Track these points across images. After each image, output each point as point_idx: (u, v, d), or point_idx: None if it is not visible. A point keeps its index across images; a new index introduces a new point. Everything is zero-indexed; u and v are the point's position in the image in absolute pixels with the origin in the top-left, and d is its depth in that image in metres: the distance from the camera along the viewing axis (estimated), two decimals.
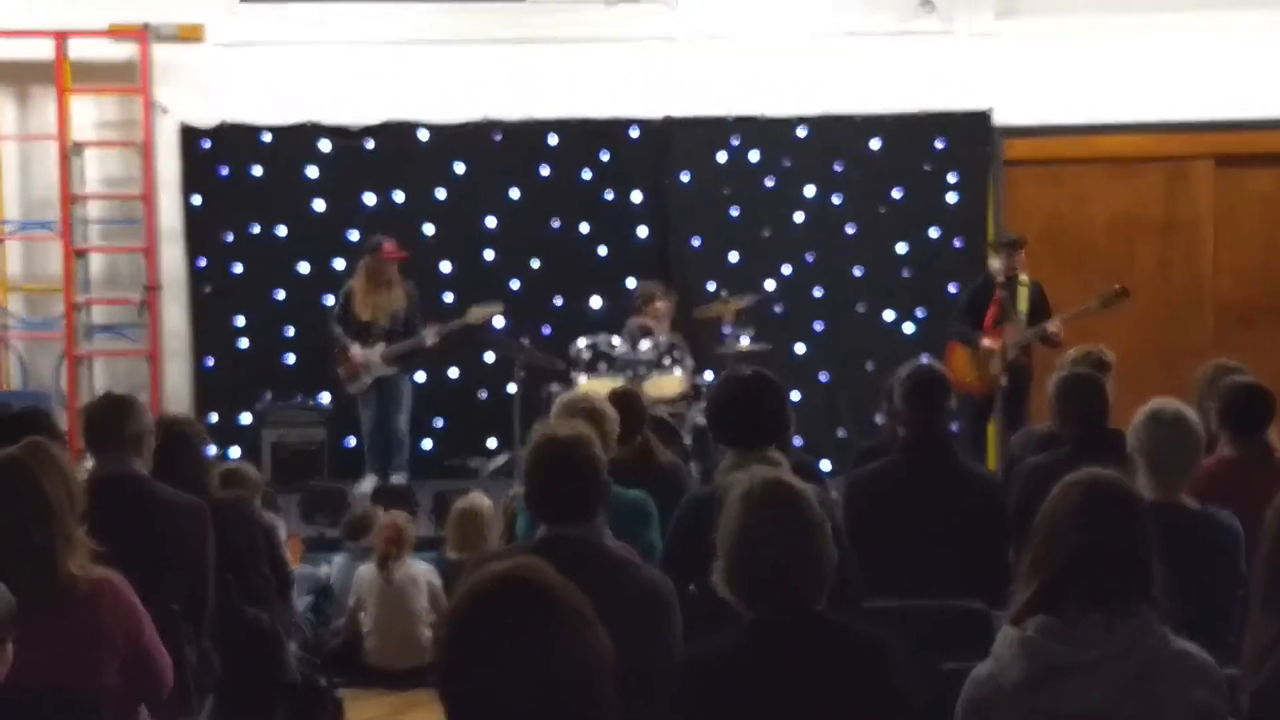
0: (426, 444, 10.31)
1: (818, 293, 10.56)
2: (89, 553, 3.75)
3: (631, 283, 10.09)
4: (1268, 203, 10.64)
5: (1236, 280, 10.66)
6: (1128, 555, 2.90)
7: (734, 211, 10.52)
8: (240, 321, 10.46)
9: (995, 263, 8.88)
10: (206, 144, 10.36)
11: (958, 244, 10.24)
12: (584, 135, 10.44)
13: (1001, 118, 10.40)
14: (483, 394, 10.42)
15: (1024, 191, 10.64)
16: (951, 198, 10.47)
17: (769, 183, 10.50)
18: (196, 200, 10.41)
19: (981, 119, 10.40)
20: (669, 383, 9.08)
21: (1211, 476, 4.72)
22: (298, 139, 10.36)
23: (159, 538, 4.54)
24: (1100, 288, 8.81)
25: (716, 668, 3.01)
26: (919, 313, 10.41)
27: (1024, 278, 8.86)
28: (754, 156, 10.49)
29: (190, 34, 10.20)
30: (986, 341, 8.77)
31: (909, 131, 10.41)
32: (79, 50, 10.17)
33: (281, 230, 10.44)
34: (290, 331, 10.42)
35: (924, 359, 7.57)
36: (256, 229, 10.42)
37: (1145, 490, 4.11)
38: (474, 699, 2.20)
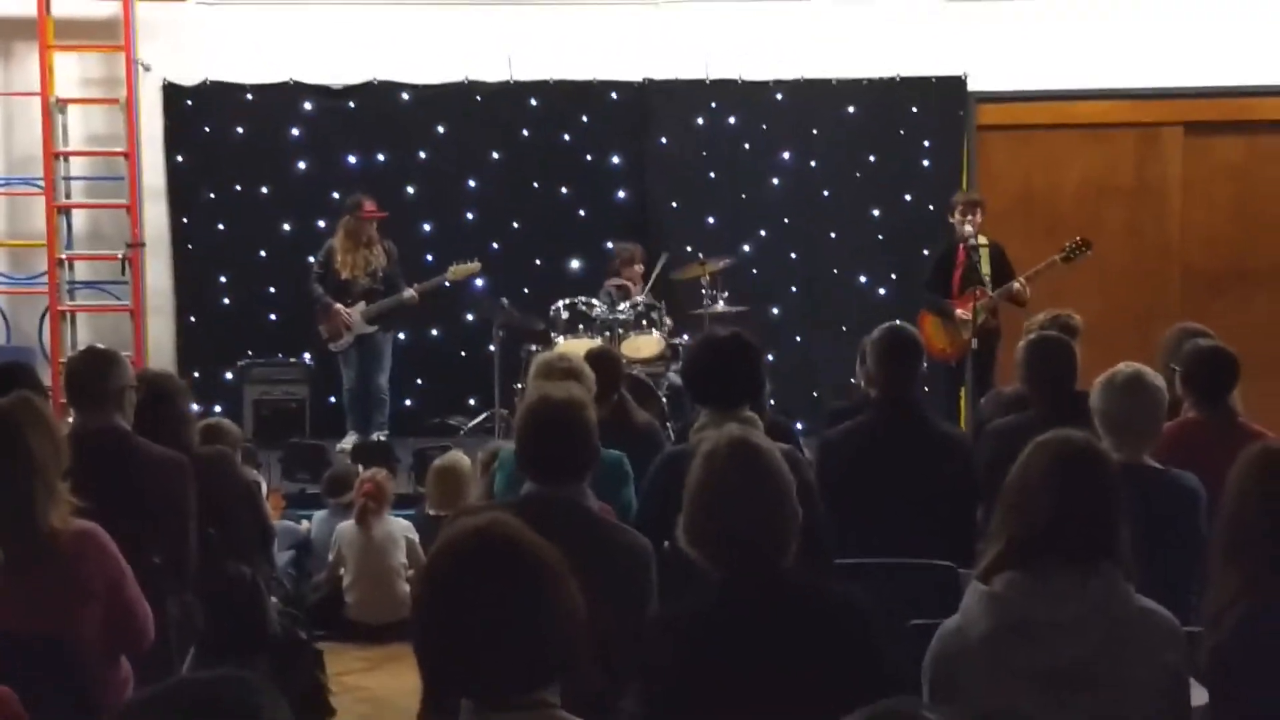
0: (407, 402, 10.38)
1: (794, 255, 10.66)
2: (71, 506, 3.79)
3: (610, 245, 10.14)
4: (1235, 170, 10.74)
5: (1204, 246, 10.75)
6: (1097, 516, 2.95)
7: (712, 175, 10.60)
8: (223, 279, 10.50)
9: (967, 226, 8.88)
10: (189, 102, 10.37)
11: (932, 208, 10.26)
12: (564, 98, 10.48)
13: (975, 83, 10.47)
14: (463, 353, 10.49)
15: (997, 156, 10.72)
16: (926, 162, 10.55)
17: (746, 146, 10.57)
18: (179, 158, 10.43)
19: (956, 84, 10.47)
20: (646, 343, 9.13)
21: (1175, 439, 4.78)
22: (280, 98, 10.39)
23: (141, 492, 4.56)
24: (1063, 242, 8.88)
25: (688, 626, 3.03)
26: (893, 276, 10.50)
27: (983, 239, 8.86)
28: (732, 120, 10.55)
29: None
30: (960, 311, 8.80)
31: (884, 96, 10.48)
32: (62, 7, 10.14)
33: (264, 189, 10.47)
34: (272, 290, 10.47)
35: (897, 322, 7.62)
36: (239, 187, 10.44)
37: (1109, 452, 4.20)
38: (449, 650, 2.25)
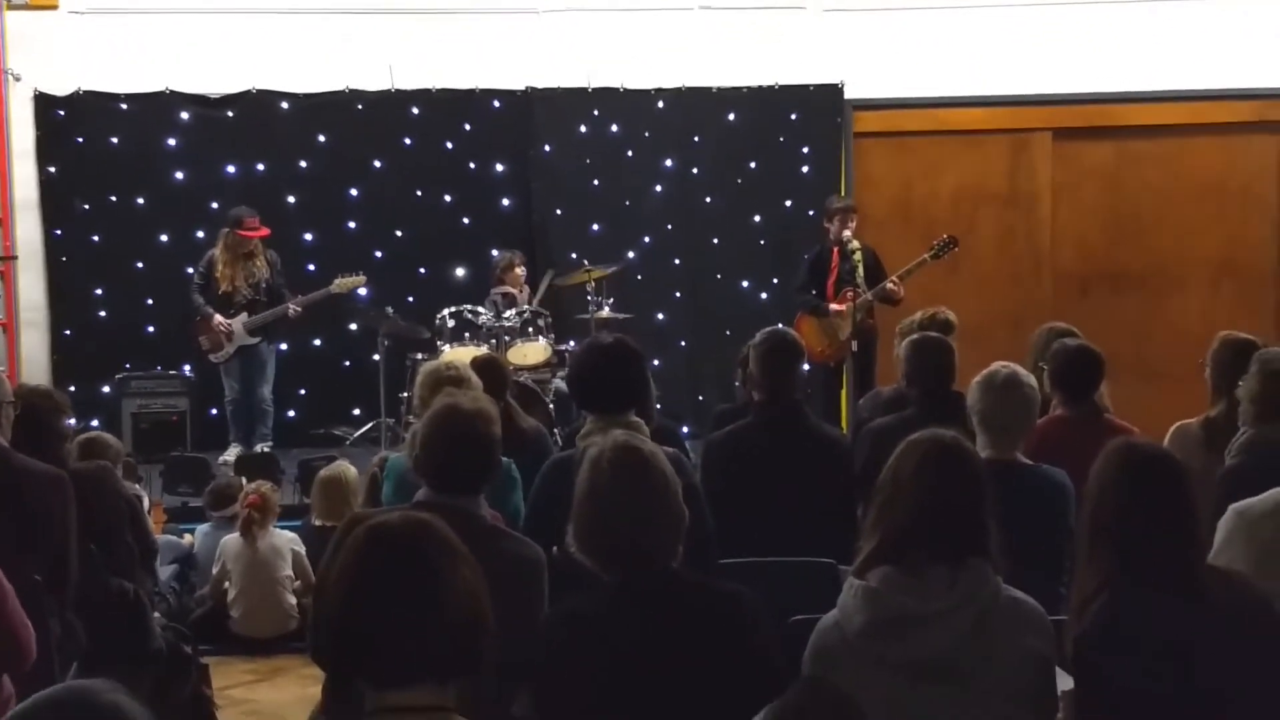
0: (290, 413, 10.29)
1: (677, 261, 10.76)
2: None
3: (496, 253, 10.16)
4: (1102, 175, 11.02)
5: (1074, 249, 11.03)
6: (965, 511, 3.06)
7: (595, 182, 10.67)
8: (99, 291, 10.34)
9: (845, 232, 9.06)
10: (61, 112, 10.20)
11: (811, 214, 10.37)
12: (446, 106, 10.48)
13: (852, 91, 10.66)
14: (346, 363, 10.44)
15: (874, 163, 10.91)
16: (805, 169, 10.72)
17: (629, 154, 10.66)
18: (52, 169, 10.26)
19: (833, 92, 10.65)
20: (533, 350, 9.17)
21: (1044, 435, 4.93)
22: (156, 108, 10.26)
23: (20, 509, 4.51)
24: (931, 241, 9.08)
25: (577, 627, 3.08)
26: (774, 281, 10.62)
27: (855, 244, 9.02)
28: (614, 128, 10.63)
29: (44, 1, 10.02)
30: (834, 306, 8.98)
31: (764, 104, 10.62)
32: None
33: (140, 200, 10.33)
34: (150, 302, 10.34)
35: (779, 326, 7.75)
36: (114, 198, 10.29)
37: (982, 449, 4.32)
38: (366, 626, 2.31)
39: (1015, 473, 4.41)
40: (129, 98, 10.22)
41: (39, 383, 8.63)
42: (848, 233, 9.04)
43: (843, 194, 10.25)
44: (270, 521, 7.06)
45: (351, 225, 10.53)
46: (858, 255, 8.94)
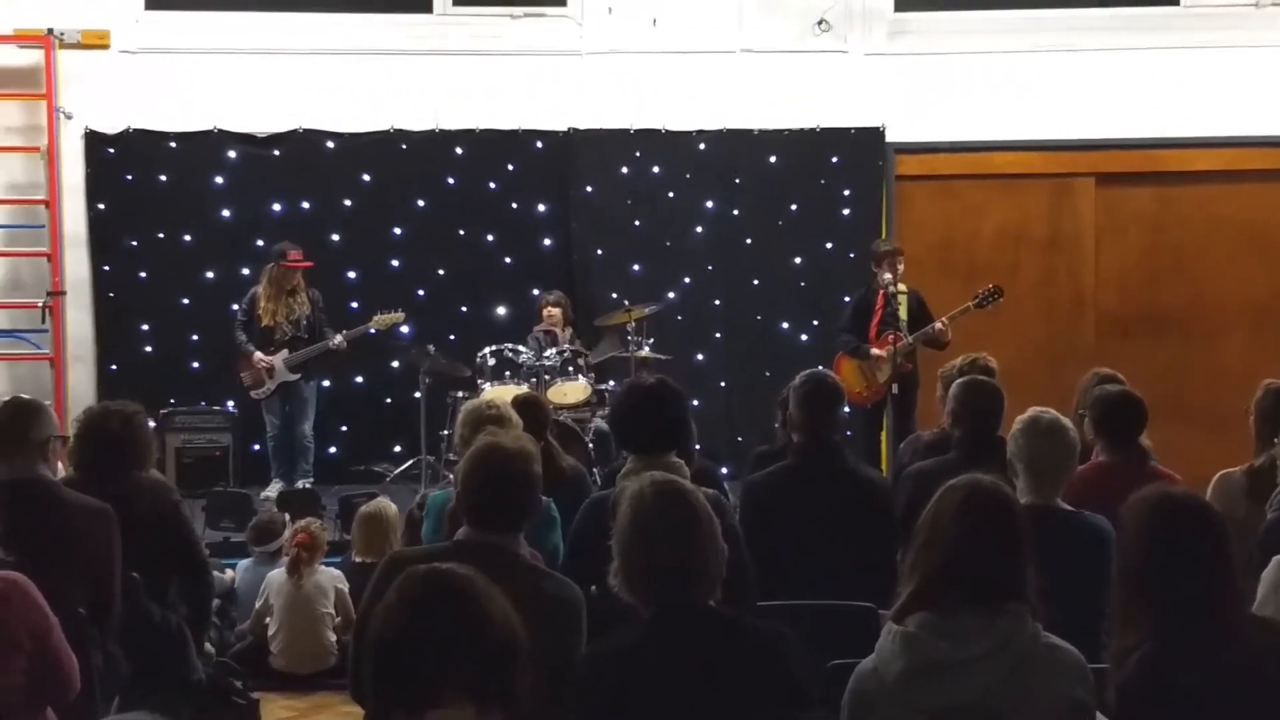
0: (331, 449, 10.35)
1: (717, 302, 10.77)
2: None
3: (537, 292, 10.22)
4: (1144, 219, 10.99)
5: (1116, 292, 11.00)
6: (1003, 556, 3.03)
7: (636, 223, 10.70)
8: (145, 327, 10.44)
9: (886, 274, 9.07)
10: (111, 150, 10.34)
11: (852, 257, 10.42)
12: (489, 146, 10.56)
13: (894, 134, 10.67)
14: (388, 400, 10.49)
15: (915, 206, 10.91)
16: (846, 211, 10.72)
17: (670, 195, 10.69)
18: (101, 206, 10.39)
19: (875, 135, 10.66)
20: (573, 389, 9.20)
21: (1087, 481, 4.91)
22: (204, 146, 10.39)
23: (65, 541, 4.55)
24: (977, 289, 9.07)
25: (615, 663, 3.09)
26: (814, 323, 10.63)
27: (901, 287, 9.03)
28: (656, 169, 10.67)
29: (95, 40, 10.17)
30: (875, 350, 8.97)
31: (805, 147, 10.64)
32: None
33: (187, 236, 10.44)
34: (195, 338, 10.43)
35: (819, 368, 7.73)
36: (161, 235, 10.41)
37: (1022, 494, 4.30)
38: (423, 651, 2.36)
39: (1056, 519, 4.38)
40: (177, 136, 10.36)
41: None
42: (889, 275, 9.04)
43: (883, 236, 10.25)
44: (318, 559, 7.09)
45: (394, 263, 10.60)
46: (901, 298, 8.93)
